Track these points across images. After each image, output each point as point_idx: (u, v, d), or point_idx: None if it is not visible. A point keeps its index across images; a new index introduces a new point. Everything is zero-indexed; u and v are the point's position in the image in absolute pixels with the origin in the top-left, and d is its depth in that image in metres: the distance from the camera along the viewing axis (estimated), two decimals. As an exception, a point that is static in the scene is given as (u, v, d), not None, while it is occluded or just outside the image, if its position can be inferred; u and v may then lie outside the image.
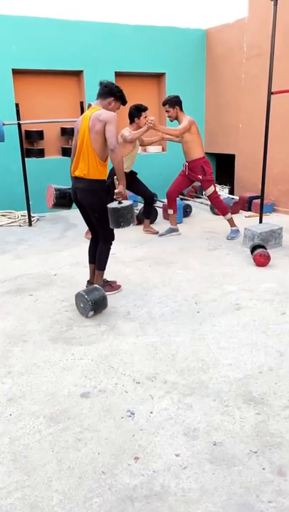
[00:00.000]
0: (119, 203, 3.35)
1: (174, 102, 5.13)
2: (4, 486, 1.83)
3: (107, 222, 3.42)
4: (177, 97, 5.16)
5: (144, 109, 5.35)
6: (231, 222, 5.42)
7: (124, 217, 3.32)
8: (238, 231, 5.39)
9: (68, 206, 3.84)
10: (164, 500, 1.75)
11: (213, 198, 5.39)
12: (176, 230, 5.66)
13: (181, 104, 5.18)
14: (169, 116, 5.24)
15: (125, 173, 5.47)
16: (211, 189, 5.30)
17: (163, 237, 5.58)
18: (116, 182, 3.36)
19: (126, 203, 3.36)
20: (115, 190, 3.36)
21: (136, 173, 5.73)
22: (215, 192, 5.34)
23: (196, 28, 7.73)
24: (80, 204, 3.62)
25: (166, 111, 5.19)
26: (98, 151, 3.37)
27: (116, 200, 3.37)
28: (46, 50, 6.70)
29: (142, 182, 5.75)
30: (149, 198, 5.79)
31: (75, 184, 3.54)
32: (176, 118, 5.20)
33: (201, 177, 5.27)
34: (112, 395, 2.41)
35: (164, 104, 5.19)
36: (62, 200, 3.80)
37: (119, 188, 3.35)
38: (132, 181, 5.71)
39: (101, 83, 3.47)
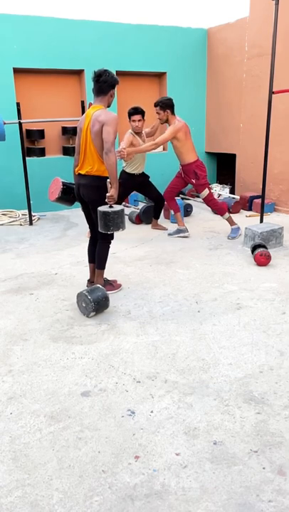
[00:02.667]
0: (110, 206, 3.34)
1: (166, 105, 5.03)
2: (5, 485, 1.83)
3: None
4: (169, 100, 5.07)
5: (131, 112, 5.27)
6: (230, 220, 5.41)
7: (113, 222, 3.31)
8: (238, 229, 5.38)
9: (70, 203, 3.82)
10: (164, 499, 1.75)
11: (209, 201, 5.34)
12: (184, 231, 5.55)
13: (173, 108, 5.09)
14: (159, 119, 5.16)
15: (135, 174, 5.49)
16: (206, 192, 5.24)
17: (171, 236, 5.55)
18: (108, 185, 3.34)
19: (117, 207, 3.35)
20: (107, 194, 3.33)
21: (148, 177, 5.72)
22: (210, 194, 5.29)
23: (198, 27, 7.72)
24: (83, 201, 3.63)
25: (157, 112, 5.10)
26: (99, 149, 3.37)
27: (108, 204, 3.37)
28: (47, 49, 6.70)
29: (153, 185, 5.76)
30: (159, 201, 5.79)
31: (79, 180, 3.56)
32: (167, 121, 5.12)
33: (194, 181, 5.21)
34: (113, 394, 2.41)
35: (155, 106, 5.09)
36: (67, 196, 3.79)
37: (111, 191, 3.33)
38: (144, 184, 5.70)
39: (97, 80, 3.36)
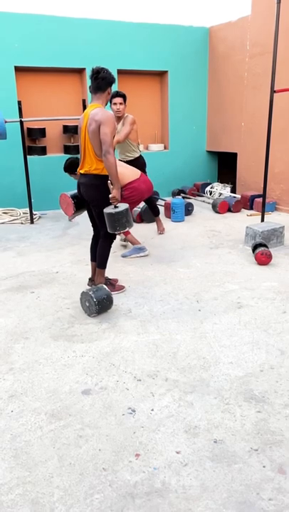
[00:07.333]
0: (116, 207, 3.35)
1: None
2: (5, 482, 1.83)
3: None
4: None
5: (113, 95, 5.13)
6: (133, 239, 4.79)
7: (119, 222, 3.33)
8: (140, 250, 4.77)
9: (87, 209, 3.84)
10: (164, 497, 1.75)
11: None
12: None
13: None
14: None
15: (131, 160, 5.24)
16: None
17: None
18: (110, 186, 3.34)
19: (121, 207, 3.35)
20: (110, 195, 3.34)
21: (143, 166, 5.39)
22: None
23: (199, 26, 7.72)
24: (84, 200, 3.64)
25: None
26: (96, 148, 3.37)
27: (111, 204, 3.38)
28: (49, 47, 6.70)
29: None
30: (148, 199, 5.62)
31: (80, 180, 3.57)
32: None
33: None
34: (113, 392, 2.42)
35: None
36: (82, 205, 3.82)
37: (113, 192, 3.34)
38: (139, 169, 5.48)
39: (96, 77, 3.34)
